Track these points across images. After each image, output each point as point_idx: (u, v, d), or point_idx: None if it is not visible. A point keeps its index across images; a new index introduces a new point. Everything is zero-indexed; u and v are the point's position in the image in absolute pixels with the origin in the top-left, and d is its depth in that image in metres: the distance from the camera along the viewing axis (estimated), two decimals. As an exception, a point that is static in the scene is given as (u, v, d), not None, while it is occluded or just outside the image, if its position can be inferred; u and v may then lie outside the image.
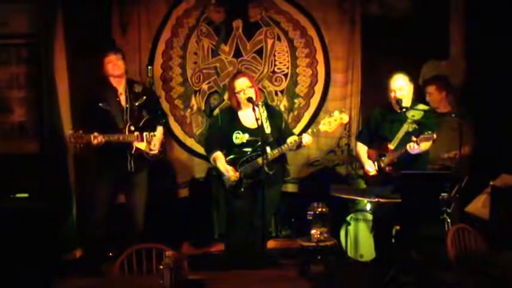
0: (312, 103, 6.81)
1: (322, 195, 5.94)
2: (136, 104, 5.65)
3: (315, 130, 5.36)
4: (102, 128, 5.37)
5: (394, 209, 4.99)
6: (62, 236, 6.06)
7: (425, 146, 5.14)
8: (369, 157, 5.53)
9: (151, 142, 5.62)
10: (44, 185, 6.04)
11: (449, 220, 5.50)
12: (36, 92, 6.32)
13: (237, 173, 5.32)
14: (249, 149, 5.36)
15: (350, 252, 6.04)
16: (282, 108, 6.74)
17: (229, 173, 5.33)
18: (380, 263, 5.67)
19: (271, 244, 6.46)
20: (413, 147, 5.05)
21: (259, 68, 6.73)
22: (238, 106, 5.46)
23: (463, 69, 6.65)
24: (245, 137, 5.35)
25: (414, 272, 5.21)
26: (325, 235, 5.73)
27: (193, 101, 6.72)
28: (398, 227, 5.21)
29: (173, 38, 6.66)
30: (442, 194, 5.33)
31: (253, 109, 5.20)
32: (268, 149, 5.26)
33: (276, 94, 6.78)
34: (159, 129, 5.76)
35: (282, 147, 5.29)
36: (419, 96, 5.76)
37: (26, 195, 5.63)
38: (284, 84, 6.78)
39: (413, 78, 5.51)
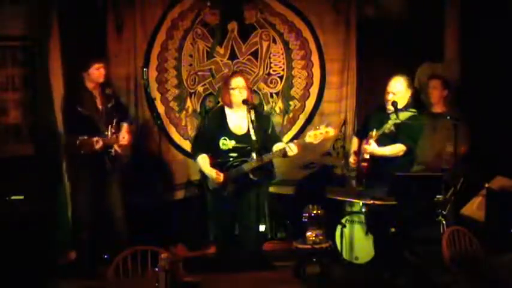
0: (307, 105, 6.82)
1: (318, 197, 5.94)
2: (109, 105, 5.82)
3: (300, 141, 5.37)
4: (86, 132, 5.47)
5: (388, 211, 4.99)
6: (57, 239, 6.05)
7: (388, 151, 5.18)
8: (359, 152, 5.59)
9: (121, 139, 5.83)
10: (39, 187, 6.03)
11: (444, 222, 5.51)
12: (31, 94, 6.31)
13: (221, 176, 5.34)
14: (235, 154, 5.38)
15: (345, 255, 6.03)
16: (277, 110, 6.76)
17: (213, 175, 5.35)
18: (375, 265, 5.68)
19: (266, 246, 6.47)
20: (367, 144, 5.12)
21: (254, 70, 6.73)
22: (230, 104, 5.46)
23: (457, 72, 6.67)
24: (231, 144, 5.36)
25: (409, 274, 5.23)
26: (321, 237, 5.71)
27: (188, 103, 6.72)
28: (393, 229, 5.21)
29: (168, 40, 6.65)
30: (438, 196, 5.34)
31: (249, 111, 5.31)
32: (254, 155, 5.30)
33: (271, 96, 6.79)
34: (124, 125, 5.92)
35: (267, 155, 5.28)
36: (416, 101, 5.78)
37: (21, 197, 5.62)
38: (279, 86, 6.79)
39: (411, 80, 5.52)
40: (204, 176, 5.50)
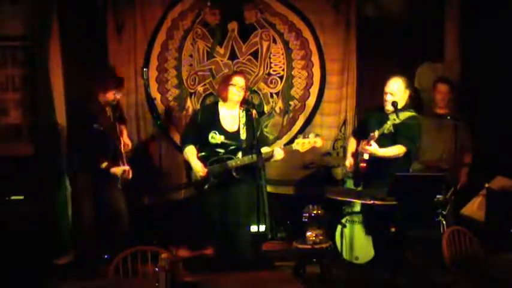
0: (307, 105, 6.82)
1: (318, 198, 5.94)
2: (117, 115, 5.82)
3: (288, 148, 5.43)
4: (100, 149, 5.52)
5: (388, 211, 4.99)
6: (57, 239, 6.04)
7: (389, 152, 5.16)
8: (357, 154, 5.57)
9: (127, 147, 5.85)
10: (39, 187, 6.02)
11: (444, 222, 5.51)
12: (31, 94, 6.31)
13: (205, 170, 5.37)
14: (221, 151, 5.41)
15: (345, 255, 6.05)
16: (277, 110, 6.76)
17: (197, 168, 5.38)
18: (375, 265, 5.68)
19: (266, 246, 6.46)
20: (365, 146, 5.12)
21: (254, 70, 6.73)
22: (225, 99, 5.49)
23: (458, 72, 6.67)
24: (220, 139, 5.40)
25: (409, 274, 5.22)
26: (321, 237, 5.72)
27: (188, 103, 6.72)
28: (393, 229, 5.21)
29: (168, 40, 6.65)
30: (438, 196, 5.34)
31: (247, 110, 5.39)
32: (239, 154, 5.36)
33: (272, 96, 6.78)
34: (124, 130, 5.92)
35: (252, 156, 5.29)
36: (416, 101, 5.78)
37: (21, 197, 5.62)
38: (279, 87, 6.79)
39: (410, 81, 5.51)
40: (188, 167, 5.53)
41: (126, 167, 5.64)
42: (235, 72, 5.82)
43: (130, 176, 5.67)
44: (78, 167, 5.67)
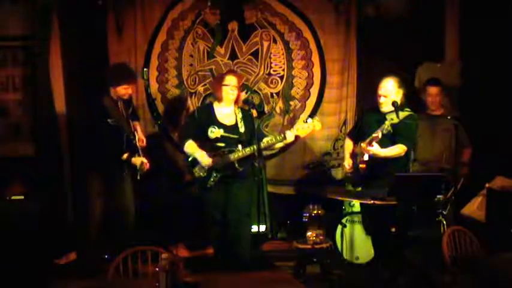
0: (307, 105, 6.82)
1: (318, 197, 5.94)
2: (130, 111, 5.76)
3: (289, 132, 5.43)
4: (115, 144, 5.48)
5: (388, 211, 4.98)
6: (57, 239, 6.04)
7: (390, 151, 5.15)
8: (355, 154, 5.56)
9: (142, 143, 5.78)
10: (39, 187, 6.02)
11: (444, 222, 5.51)
12: (31, 94, 6.32)
13: (210, 159, 5.38)
14: (222, 145, 5.43)
15: (346, 255, 6.04)
16: (278, 110, 6.76)
17: (203, 158, 5.38)
18: (375, 265, 5.68)
19: (267, 246, 6.46)
20: (366, 146, 5.10)
21: (254, 70, 6.73)
22: (220, 99, 5.52)
23: (458, 72, 6.66)
24: (220, 132, 5.43)
25: (409, 274, 5.22)
26: (321, 237, 5.72)
27: (188, 103, 6.73)
28: (394, 229, 5.21)
29: (169, 40, 6.67)
30: (438, 196, 5.34)
31: (251, 109, 5.54)
32: (239, 146, 5.40)
33: (272, 96, 6.79)
34: (137, 126, 5.89)
35: (254, 148, 5.33)
36: (412, 100, 5.76)
37: (21, 197, 5.62)
38: (280, 87, 6.79)
39: (407, 82, 5.50)
40: (189, 164, 5.53)
41: (144, 159, 5.59)
42: (228, 72, 5.82)
43: (148, 167, 5.61)
44: (91, 165, 5.65)
